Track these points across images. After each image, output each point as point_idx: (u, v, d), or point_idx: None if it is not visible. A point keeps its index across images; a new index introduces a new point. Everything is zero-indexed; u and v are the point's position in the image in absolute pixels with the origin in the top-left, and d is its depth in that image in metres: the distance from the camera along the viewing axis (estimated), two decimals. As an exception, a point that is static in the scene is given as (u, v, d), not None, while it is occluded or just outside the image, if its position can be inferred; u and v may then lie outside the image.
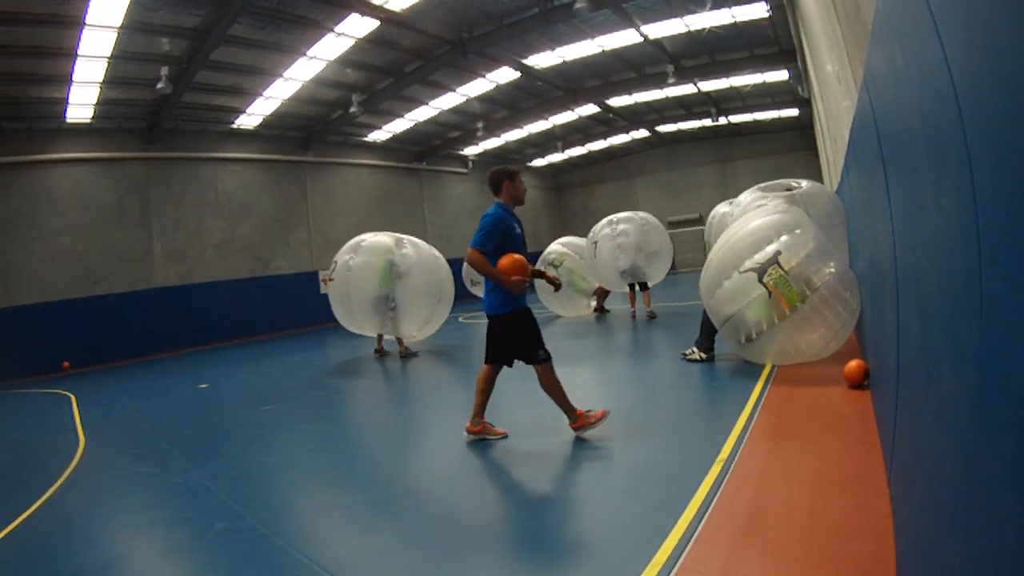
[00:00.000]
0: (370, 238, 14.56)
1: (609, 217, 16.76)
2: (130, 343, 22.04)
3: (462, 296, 25.47)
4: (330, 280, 14.37)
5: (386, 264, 13.82)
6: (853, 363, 6.80)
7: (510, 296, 6.20)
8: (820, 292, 7.56)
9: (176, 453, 7.81)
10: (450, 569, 3.91)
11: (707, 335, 9.11)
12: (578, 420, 6.20)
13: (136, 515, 5.88)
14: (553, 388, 6.23)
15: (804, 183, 11.74)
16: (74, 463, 7.93)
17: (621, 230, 16.16)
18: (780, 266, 7.66)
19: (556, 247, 18.35)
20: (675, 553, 3.62)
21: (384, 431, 8.39)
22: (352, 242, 14.57)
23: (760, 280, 7.76)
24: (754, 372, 8.08)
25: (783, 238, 8.00)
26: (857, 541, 3.52)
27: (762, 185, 12.70)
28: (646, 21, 19.54)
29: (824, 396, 6.69)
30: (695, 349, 9.32)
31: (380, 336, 14.80)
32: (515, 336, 6.28)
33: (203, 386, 13.81)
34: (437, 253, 14.79)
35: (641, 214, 17.05)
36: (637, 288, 16.28)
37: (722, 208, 16.56)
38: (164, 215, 23.96)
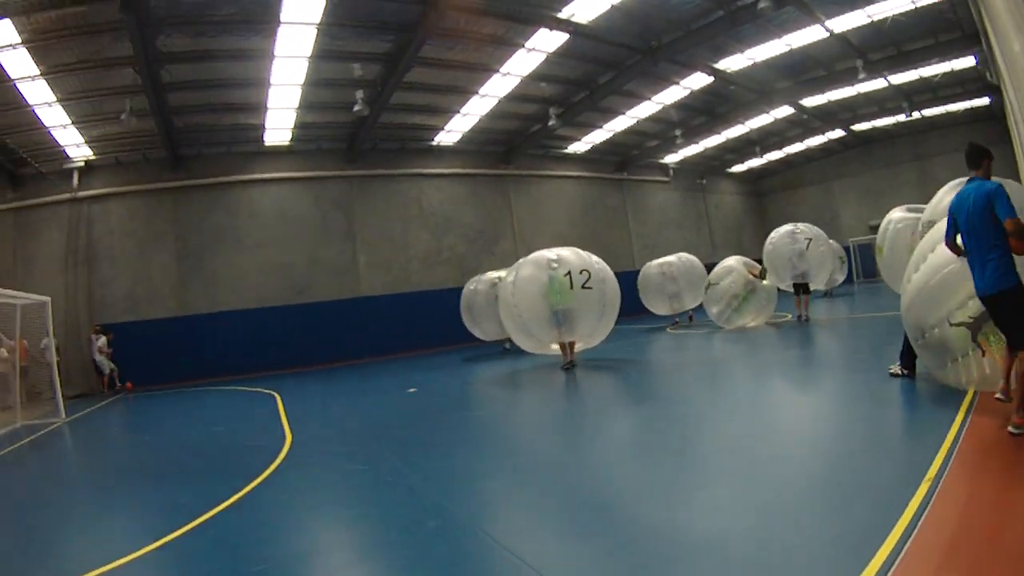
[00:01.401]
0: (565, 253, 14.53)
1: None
2: (335, 347, 23.52)
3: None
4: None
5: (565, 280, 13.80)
6: None
7: (1015, 270, 5.69)
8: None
9: (386, 453, 8.07)
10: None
11: (910, 353, 8.51)
12: None
13: (346, 508, 6.18)
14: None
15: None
16: (280, 457, 8.36)
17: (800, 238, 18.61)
18: None
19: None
20: (882, 571, 3.54)
21: (593, 438, 8.17)
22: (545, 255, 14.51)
23: (974, 339, 6.97)
24: (957, 395, 7.23)
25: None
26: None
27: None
28: (829, 15, 19.10)
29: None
30: (898, 364, 8.75)
31: (563, 348, 14.55)
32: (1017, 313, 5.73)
33: (412, 390, 14.21)
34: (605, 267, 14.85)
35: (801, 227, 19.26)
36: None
37: (897, 214, 14.64)
38: (368, 228, 25.55)
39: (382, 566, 4.69)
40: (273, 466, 7.84)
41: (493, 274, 19.88)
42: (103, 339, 20.60)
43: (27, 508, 7.36)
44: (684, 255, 23.80)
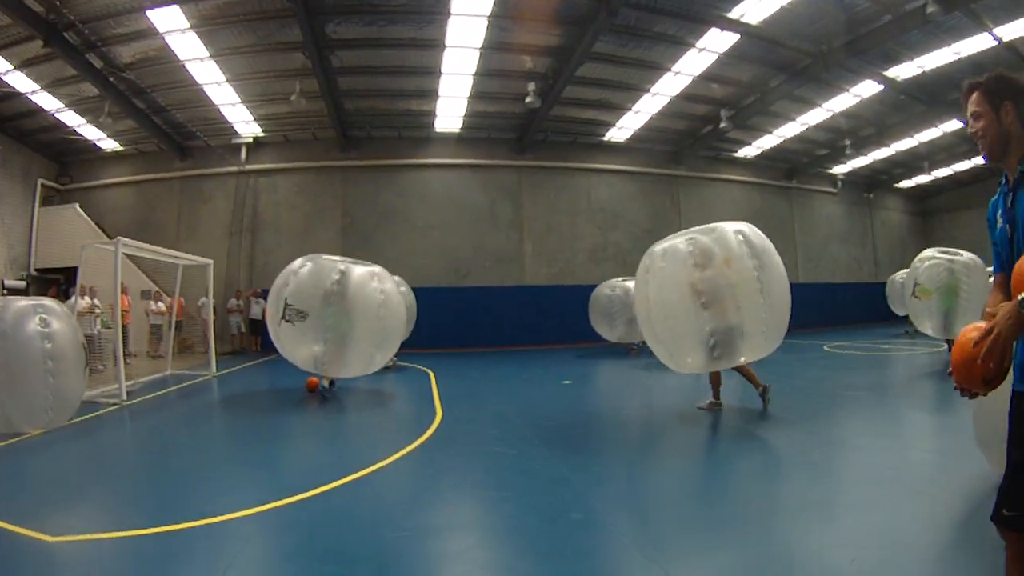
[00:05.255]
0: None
1: None
2: (493, 332, 23.66)
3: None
4: None
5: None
6: None
7: None
8: None
9: (537, 441, 7.94)
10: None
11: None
12: None
13: (488, 490, 6.14)
14: None
15: None
16: (430, 432, 8.44)
17: None
18: None
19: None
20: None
21: (744, 455, 7.46)
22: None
23: None
24: None
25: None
26: None
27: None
28: (997, 22, 17.70)
29: None
30: None
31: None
32: None
33: (567, 382, 14.10)
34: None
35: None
36: None
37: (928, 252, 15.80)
38: (536, 219, 25.73)
39: (516, 551, 4.60)
40: (421, 439, 7.95)
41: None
42: (232, 300, 22.07)
43: (173, 450, 7.89)
44: None
